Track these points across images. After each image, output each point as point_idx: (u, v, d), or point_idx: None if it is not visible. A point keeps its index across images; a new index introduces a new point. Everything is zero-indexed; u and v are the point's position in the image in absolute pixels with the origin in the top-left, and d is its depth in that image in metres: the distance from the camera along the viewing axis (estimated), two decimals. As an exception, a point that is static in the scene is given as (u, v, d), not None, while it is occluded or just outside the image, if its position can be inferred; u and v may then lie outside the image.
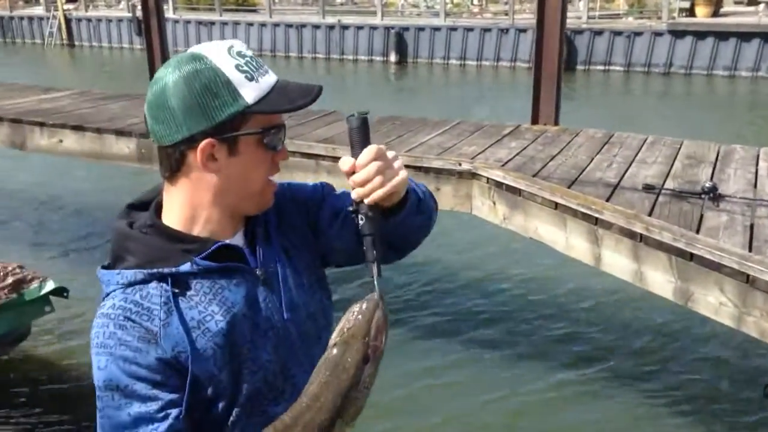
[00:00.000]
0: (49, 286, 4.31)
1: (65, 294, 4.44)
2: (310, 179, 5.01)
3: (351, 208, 1.33)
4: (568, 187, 4.15)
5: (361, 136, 1.30)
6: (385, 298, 1.22)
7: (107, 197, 9.09)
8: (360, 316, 1.18)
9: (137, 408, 1.22)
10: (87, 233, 8.22)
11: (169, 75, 1.24)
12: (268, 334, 1.33)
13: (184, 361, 1.24)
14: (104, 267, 1.32)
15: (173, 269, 1.26)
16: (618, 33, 19.34)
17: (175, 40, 23.21)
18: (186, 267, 1.27)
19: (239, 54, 1.27)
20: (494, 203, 4.42)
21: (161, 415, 1.22)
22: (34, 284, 4.28)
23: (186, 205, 1.31)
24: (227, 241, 1.33)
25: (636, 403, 5.00)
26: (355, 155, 1.29)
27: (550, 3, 5.59)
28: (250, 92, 1.25)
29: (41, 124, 6.31)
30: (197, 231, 1.32)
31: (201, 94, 1.23)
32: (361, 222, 1.31)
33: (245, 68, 1.26)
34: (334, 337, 1.19)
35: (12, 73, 18.66)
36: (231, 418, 1.31)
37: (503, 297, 6.57)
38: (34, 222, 8.67)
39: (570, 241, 3.94)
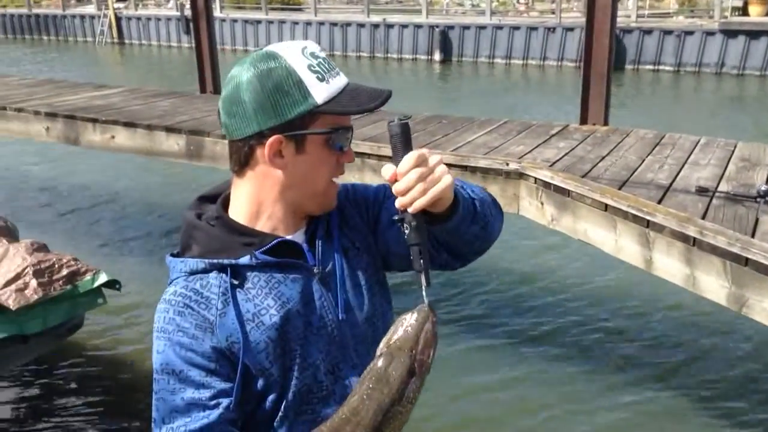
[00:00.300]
0: (102, 278, 4.40)
1: (117, 286, 4.54)
2: (354, 177, 5.03)
3: (396, 217, 1.29)
4: (619, 189, 4.08)
5: (402, 142, 1.26)
6: (435, 310, 1.19)
7: (157, 193, 9.28)
8: (408, 328, 1.16)
9: (190, 394, 1.25)
10: (138, 227, 8.39)
11: (244, 72, 1.29)
12: (321, 333, 1.34)
13: (237, 352, 1.27)
14: (173, 255, 1.37)
15: (233, 260, 1.30)
16: (668, 32, 18.98)
17: (222, 38, 23.53)
18: (245, 259, 1.30)
19: (312, 55, 1.30)
20: (542, 204, 4.38)
21: (213, 402, 1.26)
22: (88, 276, 4.38)
23: (251, 200, 1.35)
24: (287, 237, 1.35)
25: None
26: (396, 162, 1.26)
27: (600, 0, 5.52)
28: (320, 92, 1.28)
29: (94, 121, 6.45)
30: (260, 226, 1.35)
31: (273, 91, 1.27)
32: (406, 231, 1.26)
33: (317, 69, 1.29)
34: (381, 347, 1.17)
35: (65, 71, 19.18)
36: (279, 414, 1.33)
37: (552, 302, 6.49)
38: (87, 215, 8.89)
39: (620, 244, 3.88)
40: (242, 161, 1.33)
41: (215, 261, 1.30)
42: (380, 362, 1.14)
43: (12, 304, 4.02)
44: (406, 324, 1.16)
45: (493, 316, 6.16)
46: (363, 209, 1.47)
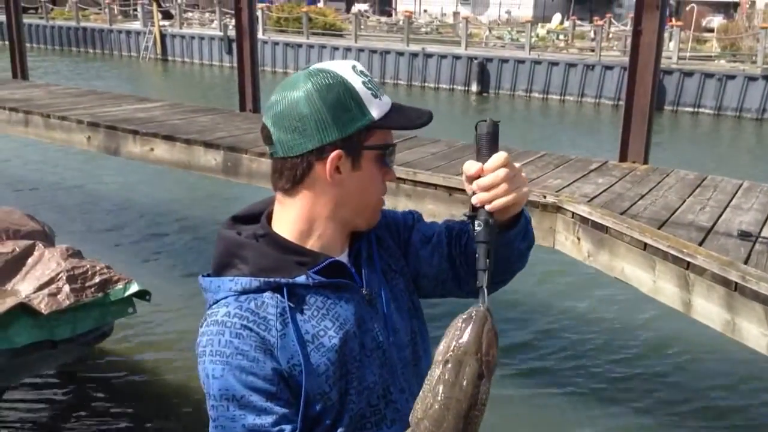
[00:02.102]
0: (134, 288, 4.42)
1: (147, 297, 4.55)
2: (389, 203, 5.00)
3: (467, 214, 1.29)
4: (658, 228, 4.01)
5: (490, 141, 1.28)
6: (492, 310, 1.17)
7: (193, 208, 9.37)
8: (469, 331, 1.13)
9: (252, 420, 1.20)
10: (171, 240, 8.47)
11: (300, 87, 1.27)
12: (374, 355, 1.32)
13: (298, 375, 1.23)
14: (208, 275, 1.32)
15: (290, 280, 1.26)
16: (709, 75, 18.83)
17: (263, 59, 23.87)
18: (302, 279, 1.26)
19: (362, 73, 1.30)
20: (578, 239, 4.31)
21: (276, 429, 1.21)
22: (120, 285, 4.40)
23: (302, 218, 1.31)
24: (338, 258, 1.33)
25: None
26: (481, 160, 1.26)
27: (645, 39, 5.48)
28: (375, 108, 1.28)
29: (135, 132, 6.54)
30: (310, 245, 1.32)
31: (333, 106, 1.25)
32: (477, 228, 1.26)
33: (370, 86, 1.29)
34: (443, 353, 1.13)
35: (109, 83, 19.59)
36: None
37: (582, 339, 6.39)
38: (122, 225, 9.00)
39: (658, 285, 3.79)
40: (297, 178, 1.29)
41: (271, 280, 1.25)
42: (449, 369, 1.11)
43: (44, 308, 4.05)
44: (464, 327, 1.13)
45: (521, 350, 6.07)
46: (394, 232, 1.46)
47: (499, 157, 1.25)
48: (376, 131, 1.29)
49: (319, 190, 1.30)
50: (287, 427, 1.22)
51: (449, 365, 1.11)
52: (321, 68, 1.29)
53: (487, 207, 1.25)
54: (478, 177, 1.26)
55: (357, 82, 1.28)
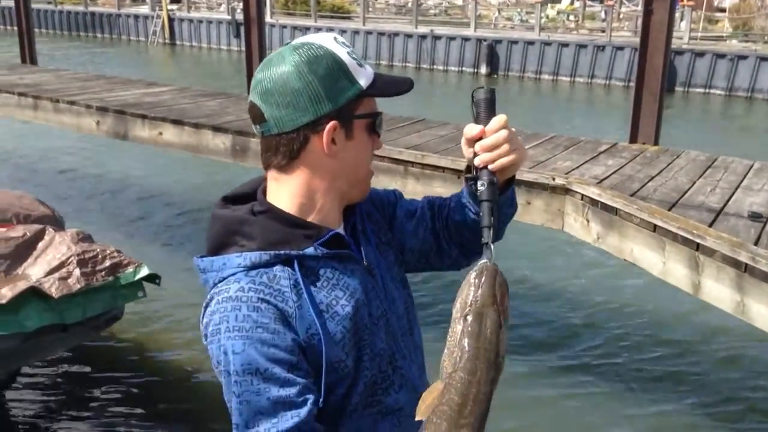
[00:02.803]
0: (144, 271, 4.44)
1: (157, 281, 4.57)
2: (398, 185, 5.00)
3: (469, 176, 1.37)
4: (668, 210, 3.98)
5: (488, 107, 1.35)
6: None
7: (201, 191, 9.38)
8: (484, 285, 1.18)
9: (276, 392, 1.19)
10: (180, 224, 8.49)
11: (287, 62, 1.26)
12: (380, 323, 1.35)
13: (317, 344, 1.23)
14: (203, 257, 1.31)
15: (299, 252, 1.26)
16: (721, 56, 18.64)
17: (271, 43, 23.77)
18: (310, 251, 1.27)
19: (344, 44, 1.32)
20: (588, 221, 4.30)
21: (300, 399, 1.20)
22: (130, 269, 4.42)
23: (301, 192, 1.31)
24: (339, 230, 1.35)
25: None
26: (481, 123, 1.33)
27: (656, 18, 5.41)
28: (362, 77, 1.30)
29: (143, 117, 6.55)
30: (311, 218, 1.32)
31: (324, 77, 1.26)
32: (481, 188, 1.31)
33: (354, 56, 1.31)
34: (461, 309, 1.18)
35: (117, 68, 19.58)
36: (348, 408, 1.30)
37: (590, 321, 6.38)
38: (132, 209, 9.03)
39: (668, 266, 3.78)
40: (294, 153, 1.28)
41: (281, 253, 1.25)
42: (472, 323, 1.16)
43: (54, 292, 4.07)
44: (479, 282, 1.18)
45: (530, 333, 6.06)
46: (380, 207, 1.50)
47: (500, 119, 1.32)
48: (364, 100, 1.31)
49: (316, 164, 1.30)
50: (311, 397, 1.22)
51: (470, 318, 1.17)
52: (305, 41, 1.30)
53: (491, 167, 1.32)
54: (479, 139, 1.32)
55: (342, 53, 1.29)
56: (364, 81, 1.29)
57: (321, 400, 1.25)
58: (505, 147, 1.31)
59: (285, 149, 1.29)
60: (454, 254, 1.54)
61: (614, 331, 6.16)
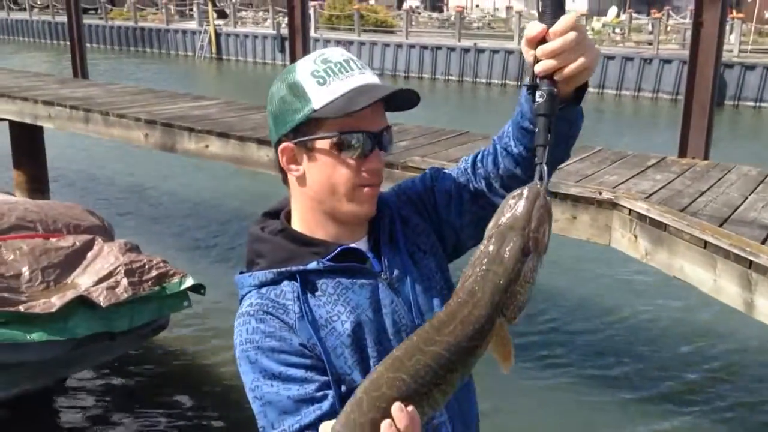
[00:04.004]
0: (189, 282, 4.50)
1: (202, 291, 4.63)
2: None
3: (528, 83, 1.19)
4: (719, 226, 3.88)
5: (556, 2, 1.15)
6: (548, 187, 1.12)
7: (246, 203, 9.49)
8: (519, 206, 1.08)
9: (296, 391, 1.23)
10: (224, 235, 8.60)
11: (274, 83, 1.35)
12: (397, 339, 1.31)
13: (320, 354, 1.26)
14: (241, 272, 1.38)
15: (300, 267, 1.30)
16: (773, 68, 18.20)
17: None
18: (313, 265, 1.30)
19: (324, 61, 1.29)
20: (635, 237, 4.21)
21: (320, 394, 1.24)
22: (176, 279, 4.48)
23: (300, 210, 1.36)
24: (351, 245, 1.34)
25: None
26: (545, 23, 1.15)
27: (706, 31, 5.31)
28: (319, 97, 1.27)
29: (190, 130, 6.65)
30: (320, 235, 1.35)
31: (281, 101, 1.30)
32: (539, 100, 1.15)
33: (321, 74, 1.27)
34: (489, 230, 1.10)
35: (165, 82, 20.00)
36: None
37: (641, 334, 6.24)
38: (178, 220, 9.19)
39: (719, 284, 3.67)
40: (280, 171, 1.37)
41: (283, 269, 1.30)
42: (492, 244, 1.08)
43: (102, 301, 4.15)
44: (515, 202, 1.09)
45: (574, 349, 5.97)
46: (420, 206, 1.45)
47: (569, 18, 1.13)
48: (329, 120, 1.27)
49: (294, 183, 1.35)
50: (330, 392, 1.25)
51: (492, 239, 1.09)
52: (289, 66, 1.36)
53: (557, 76, 1.15)
54: (542, 41, 1.15)
55: (305, 73, 1.28)
56: (320, 101, 1.26)
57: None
58: (573, 53, 1.12)
59: (276, 168, 1.38)
60: (514, 175, 1.38)
61: (658, 349, 6.02)
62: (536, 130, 1.16)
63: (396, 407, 1.04)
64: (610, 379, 5.56)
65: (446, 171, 1.46)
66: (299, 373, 1.24)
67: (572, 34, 1.13)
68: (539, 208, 1.07)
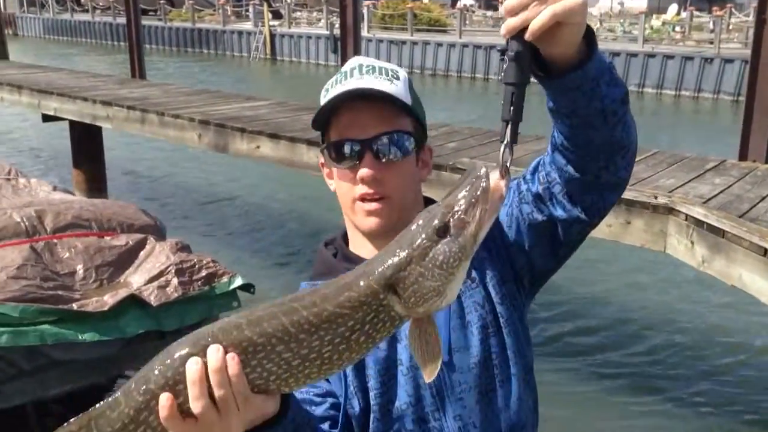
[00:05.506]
0: (238, 281, 4.52)
1: (252, 290, 4.65)
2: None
3: (499, 48, 1.04)
4: (782, 233, 3.72)
5: None
6: (509, 170, 1.00)
7: (295, 205, 9.57)
8: (461, 184, 0.97)
9: (301, 394, 1.23)
10: (274, 237, 8.67)
11: None
12: (411, 375, 1.23)
13: None
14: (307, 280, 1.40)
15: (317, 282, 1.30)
16: (842, 66, 17.45)
17: (367, 56, 24.08)
18: None
19: (344, 68, 1.32)
20: (692, 243, 4.07)
21: (320, 399, 1.24)
22: (225, 279, 4.51)
23: (347, 227, 1.38)
24: None
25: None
26: None
27: (770, 30, 5.11)
28: (321, 107, 1.30)
29: (242, 130, 6.73)
30: (361, 253, 1.33)
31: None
32: (503, 65, 1.00)
33: (330, 82, 1.31)
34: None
35: (220, 82, 20.31)
36: None
37: (696, 354, 6.05)
38: (228, 221, 9.31)
39: (780, 293, 3.52)
40: None
41: (310, 282, 1.32)
42: (419, 218, 0.99)
43: (153, 300, 4.20)
44: (460, 180, 0.99)
45: (626, 357, 5.82)
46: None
47: None
48: (331, 127, 1.30)
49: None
50: (331, 400, 1.24)
51: (422, 213, 1.00)
52: None
53: (527, 36, 0.99)
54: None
55: (337, 77, 1.31)
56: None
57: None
58: (538, 5, 0.96)
59: None
60: (562, 198, 1.22)
61: (719, 363, 5.83)
62: (502, 102, 1.02)
63: (213, 348, 0.94)
64: (667, 390, 5.41)
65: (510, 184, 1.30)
66: None
67: None
68: (478, 190, 0.95)
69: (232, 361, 0.93)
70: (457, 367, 1.23)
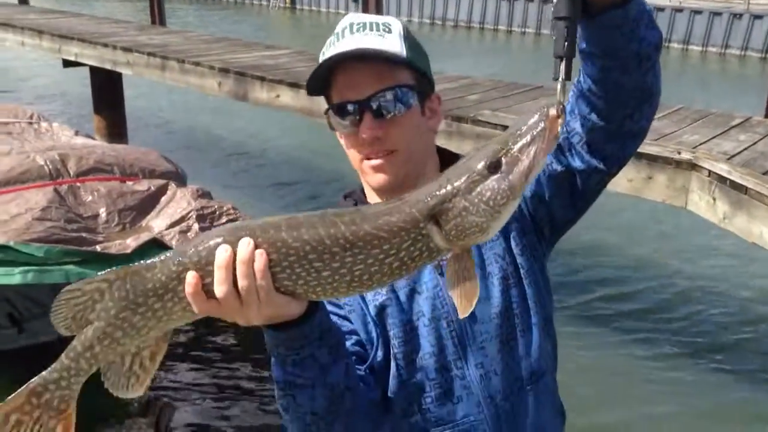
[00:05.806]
0: (257, 229, 4.58)
1: (270, 239, 4.70)
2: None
3: None
4: (806, 191, 3.68)
5: None
6: (564, 107, 0.98)
7: (316, 154, 9.56)
8: (518, 122, 0.96)
9: None
10: (294, 186, 8.71)
11: None
12: (433, 326, 1.26)
13: (348, 315, 1.31)
14: None
15: None
16: None
17: (388, 8, 23.74)
18: None
19: (339, 29, 1.31)
20: (714, 200, 4.04)
21: (345, 336, 1.25)
22: (244, 226, 4.56)
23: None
24: None
25: None
26: None
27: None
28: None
29: (262, 79, 6.69)
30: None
31: None
32: (554, 2, 1.01)
33: (327, 43, 1.31)
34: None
35: (239, 31, 20.15)
36: (391, 409, 1.28)
37: (714, 311, 6.04)
38: (248, 170, 9.35)
39: (801, 251, 3.50)
40: None
41: None
42: (473, 150, 0.98)
43: (175, 244, 4.25)
44: (518, 119, 0.98)
45: (645, 315, 5.84)
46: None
47: None
48: (331, 92, 1.30)
49: None
50: (356, 337, 1.27)
51: (477, 147, 0.99)
52: None
53: None
54: None
55: (326, 43, 1.32)
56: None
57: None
58: None
59: None
60: (595, 129, 1.20)
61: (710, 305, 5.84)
62: (554, 38, 1.02)
63: (245, 240, 0.97)
64: (676, 347, 5.43)
65: None
66: (336, 318, 1.26)
67: None
68: (536, 128, 0.93)
69: (260, 256, 0.97)
70: (479, 318, 1.25)
